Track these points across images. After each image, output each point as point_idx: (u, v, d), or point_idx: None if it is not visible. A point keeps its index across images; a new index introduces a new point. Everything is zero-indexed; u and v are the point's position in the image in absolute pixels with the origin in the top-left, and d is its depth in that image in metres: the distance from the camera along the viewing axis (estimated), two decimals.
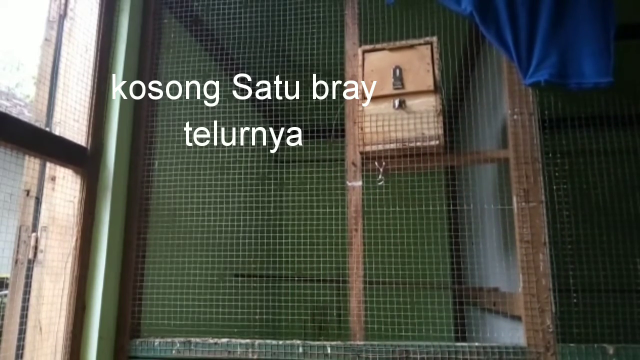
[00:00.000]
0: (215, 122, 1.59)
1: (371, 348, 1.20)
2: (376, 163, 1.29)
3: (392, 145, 1.25)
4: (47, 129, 1.28)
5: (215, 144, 1.60)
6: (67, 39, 1.34)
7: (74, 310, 1.24)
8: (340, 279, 1.35)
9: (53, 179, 1.27)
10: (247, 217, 1.60)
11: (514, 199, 1.21)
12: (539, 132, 1.22)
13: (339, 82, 1.43)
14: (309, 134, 1.66)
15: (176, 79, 1.56)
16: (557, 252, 1.21)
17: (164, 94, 1.55)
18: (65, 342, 1.22)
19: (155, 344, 1.31)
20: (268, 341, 1.25)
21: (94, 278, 1.30)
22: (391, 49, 1.31)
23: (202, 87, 1.60)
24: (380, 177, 1.29)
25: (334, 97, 1.49)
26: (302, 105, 1.57)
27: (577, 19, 1.16)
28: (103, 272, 1.30)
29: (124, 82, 1.42)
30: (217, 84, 1.76)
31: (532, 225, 1.18)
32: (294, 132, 2.07)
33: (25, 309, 1.21)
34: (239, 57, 1.82)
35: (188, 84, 1.56)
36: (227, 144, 1.60)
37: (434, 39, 1.29)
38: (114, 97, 1.40)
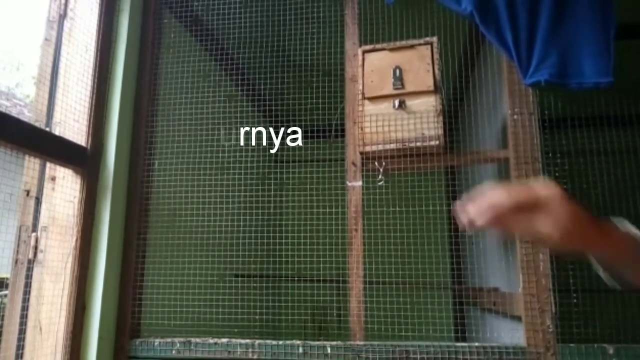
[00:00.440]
0: (215, 122, 1.59)
1: (371, 348, 1.20)
2: (376, 163, 1.29)
3: (392, 146, 1.25)
4: (47, 129, 1.28)
5: (215, 144, 1.60)
6: (67, 39, 1.34)
7: (74, 310, 1.24)
8: (340, 279, 1.35)
9: (53, 179, 1.27)
10: (247, 217, 1.60)
11: None
12: (539, 132, 1.22)
13: (339, 82, 1.43)
14: (309, 134, 1.66)
15: (176, 79, 1.56)
16: (557, 252, 1.21)
17: (164, 93, 1.55)
18: (65, 342, 1.22)
19: (155, 344, 1.31)
20: (268, 341, 1.25)
21: (94, 278, 1.30)
22: (391, 49, 1.31)
23: (202, 87, 1.60)
24: (380, 177, 1.29)
25: (334, 97, 1.49)
26: (302, 105, 1.57)
27: (577, 18, 1.16)
28: (103, 272, 1.30)
29: (124, 82, 1.42)
30: (217, 83, 1.76)
31: None
32: (294, 132, 2.07)
33: (25, 309, 1.21)
34: (239, 57, 1.82)
35: (188, 84, 1.55)
36: (227, 144, 1.60)
37: (434, 39, 1.29)
38: (114, 97, 1.40)
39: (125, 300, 1.37)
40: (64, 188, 1.27)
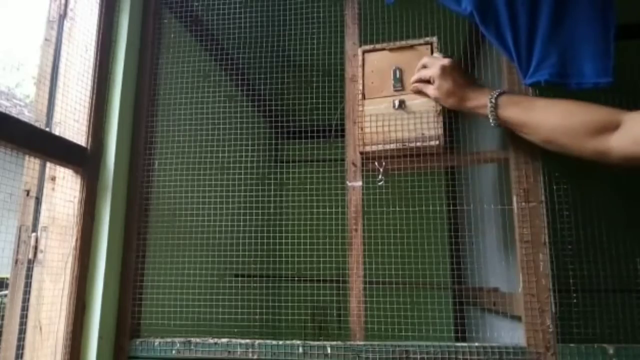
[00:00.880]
0: (215, 122, 1.59)
1: (371, 348, 1.20)
2: (376, 163, 1.29)
3: (392, 146, 1.25)
4: (47, 129, 1.28)
5: (216, 144, 1.60)
6: (67, 39, 1.34)
7: (74, 310, 1.24)
8: (340, 279, 1.35)
9: (53, 179, 1.27)
10: (247, 217, 1.60)
11: (514, 199, 1.21)
12: None
13: (339, 82, 1.43)
14: (309, 134, 1.66)
15: (176, 79, 1.56)
16: (557, 252, 1.21)
17: (164, 93, 1.55)
18: (65, 342, 1.22)
19: (155, 344, 1.31)
20: (268, 341, 1.25)
21: (94, 278, 1.30)
22: (391, 49, 1.31)
23: (202, 87, 1.60)
24: (380, 177, 1.29)
25: (334, 97, 1.49)
26: (302, 105, 1.57)
27: (577, 18, 1.16)
28: (103, 272, 1.30)
29: (124, 82, 1.42)
30: (217, 83, 1.76)
31: (532, 225, 1.18)
32: (294, 132, 2.07)
33: (25, 309, 1.21)
34: (239, 57, 1.82)
35: (188, 84, 1.55)
36: (227, 144, 1.60)
37: (434, 39, 1.29)
38: (114, 97, 1.40)
39: (125, 300, 1.37)
40: (64, 188, 1.27)
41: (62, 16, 1.35)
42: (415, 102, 1.26)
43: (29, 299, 1.21)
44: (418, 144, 1.24)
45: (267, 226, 1.72)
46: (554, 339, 1.13)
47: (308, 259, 1.51)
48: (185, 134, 1.57)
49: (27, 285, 1.21)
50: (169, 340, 1.31)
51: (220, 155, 1.60)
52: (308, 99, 1.55)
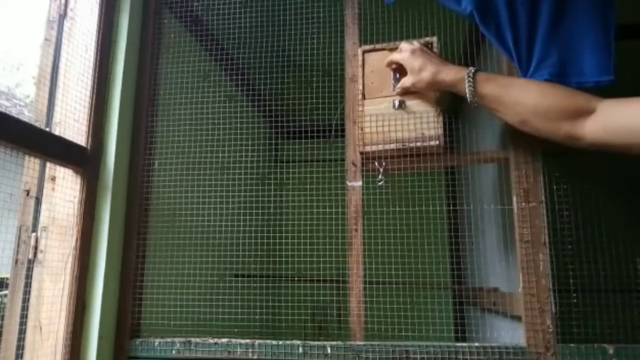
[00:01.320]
0: (215, 122, 1.59)
1: (371, 348, 1.20)
2: (376, 163, 1.29)
3: (392, 146, 1.25)
4: (47, 129, 1.28)
5: (216, 143, 1.60)
6: (67, 39, 1.34)
7: (74, 310, 1.24)
8: (340, 279, 1.35)
9: (53, 179, 1.27)
10: (247, 217, 1.60)
11: (514, 199, 1.21)
12: None
13: (339, 82, 1.43)
14: (309, 134, 1.66)
15: (176, 79, 1.56)
16: (557, 252, 1.21)
17: (164, 93, 1.55)
18: (65, 342, 1.22)
19: (155, 344, 1.31)
20: (268, 341, 1.25)
21: (94, 278, 1.30)
22: (391, 49, 1.31)
23: (202, 87, 1.60)
24: (380, 177, 1.29)
25: (334, 97, 1.49)
26: (302, 105, 1.57)
27: (578, 18, 1.16)
28: (103, 272, 1.30)
29: (124, 82, 1.42)
30: (217, 83, 1.76)
31: (532, 225, 1.18)
32: (294, 132, 2.07)
33: (25, 309, 1.21)
34: (239, 57, 1.82)
35: (188, 83, 1.55)
36: (227, 144, 1.60)
37: (434, 39, 1.29)
38: (114, 97, 1.40)
39: (125, 300, 1.37)
40: (64, 188, 1.27)
41: (62, 16, 1.35)
42: (415, 102, 1.26)
43: (29, 299, 1.21)
44: (418, 144, 1.24)
45: (267, 226, 1.72)
46: (554, 339, 1.13)
47: (308, 259, 1.51)
48: (185, 134, 1.57)
49: (27, 285, 1.21)
50: (169, 340, 1.31)
51: (220, 155, 1.60)
52: (308, 99, 1.55)
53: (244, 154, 1.64)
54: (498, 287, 1.73)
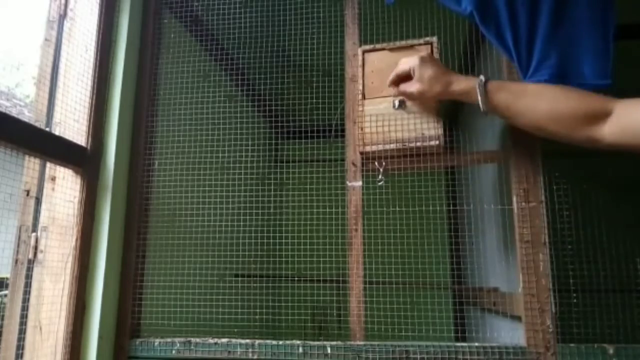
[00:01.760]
0: (215, 122, 1.59)
1: (371, 348, 1.20)
2: (376, 163, 1.29)
3: (392, 146, 1.25)
4: (47, 129, 1.28)
5: (216, 143, 1.60)
6: (67, 39, 1.34)
7: (74, 310, 1.24)
8: (340, 279, 1.35)
9: (53, 179, 1.27)
10: (247, 217, 1.60)
11: (514, 199, 1.21)
12: None
13: (339, 82, 1.43)
14: (309, 134, 1.66)
15: (176, 79, 1.56)
16: (557, 252, 1.21)
17: (164, 93, 1.55)
18: (65, 342, 1.22)
19: (155, 344, 1.31)
20: (268, 341, 1.25)
21: (94, 278, 1.30)
22: (391, 49, 1.31)
23: (202, 87, 1.60)
24: (380, 177, 1.29)
25: (334, 97, 1.49)
26: (302, 105, 1.57)
27: (577, 19, 1.16)
28: (103, 272, 1.30)
29: (124, 82, 1.42)
30: (217, 83, 1.76)
31: (532, 225, 1.18)
32: (294, 132, 2.07)
33: (25, 309, 1.21)
34: (239, 57, 1.82)
35: (188, 83, 1.56)
36: (227, 144, 1.60)
37: (434, 39, 1.29)
38: (114, 97, 1.40)
39: (125, 300, 1.37)
40: (64, 188, 1.27)
41: (62, 16, 1.35)
42: (415, 102, 1.26)
43: (29, 299, 1.21)
44: (418, 144, 1.24)
45: (267, 226, 1.72)
46: (554, 339, 1.13)
47: (308, 259, 1.51)
48: (185, 134, 1.57)
49: (27, 285, 1.21)
50: (169, 340, 1.31)
51: (220, 155, 1.60)
52: (308, 99, 1.55)
53: (244, 154, 1.64)
54: (498, 287, 1.73)
